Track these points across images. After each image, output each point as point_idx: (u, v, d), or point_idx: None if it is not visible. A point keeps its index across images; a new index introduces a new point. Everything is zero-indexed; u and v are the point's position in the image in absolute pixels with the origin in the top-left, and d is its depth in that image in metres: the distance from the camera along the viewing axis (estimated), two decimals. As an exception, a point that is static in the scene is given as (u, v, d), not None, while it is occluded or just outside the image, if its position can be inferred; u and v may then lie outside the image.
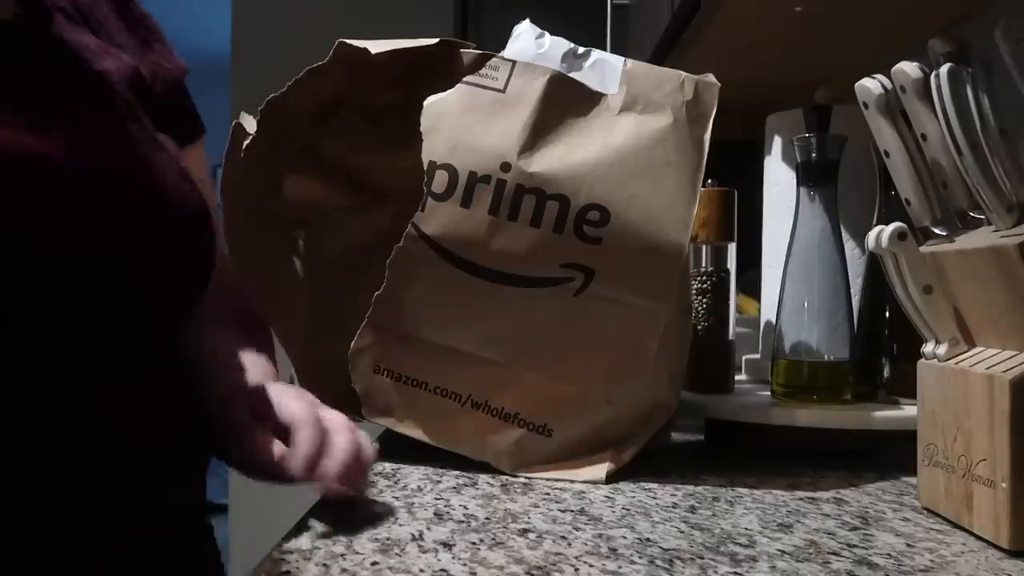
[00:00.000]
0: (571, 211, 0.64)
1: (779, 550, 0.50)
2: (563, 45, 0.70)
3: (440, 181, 0.65)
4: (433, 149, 0.66)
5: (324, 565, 0.45)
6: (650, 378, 0.67)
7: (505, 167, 0.65)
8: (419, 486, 0.62)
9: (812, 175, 0.78)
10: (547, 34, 0.71)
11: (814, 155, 0.78)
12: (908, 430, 0.63)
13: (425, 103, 0.67)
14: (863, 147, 0.79)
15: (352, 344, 0.68)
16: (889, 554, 0.50)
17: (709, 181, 0.86)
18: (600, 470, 0.66)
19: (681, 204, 0.64)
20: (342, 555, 0.47)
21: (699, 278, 0.85)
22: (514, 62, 0.68)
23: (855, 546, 0.51)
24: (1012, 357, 0.51)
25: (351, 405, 0.69)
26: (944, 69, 0.53)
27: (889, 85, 0.58)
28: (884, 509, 0.60)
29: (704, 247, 0.86)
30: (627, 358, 0.65)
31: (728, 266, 0.86)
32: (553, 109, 0.66)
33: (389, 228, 0.73)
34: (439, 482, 0.63)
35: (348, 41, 0.69)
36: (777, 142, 0.95)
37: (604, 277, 0.64)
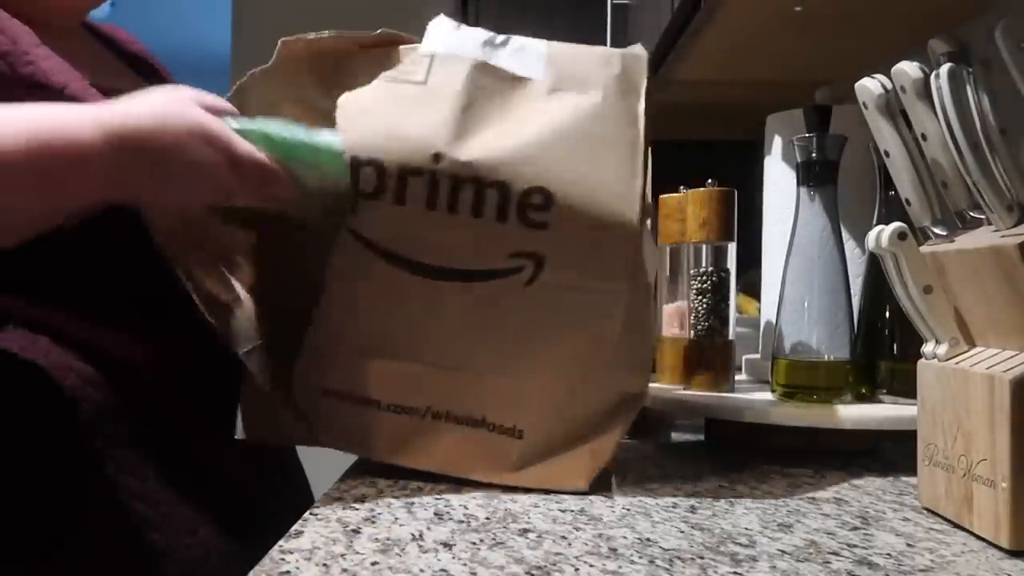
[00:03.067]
0: (512, 197, 0.61)
1: (779, 550, 0.50)
2: (481, 35, 0.68)
3: (368, 178, 0.62)
4: (354, 143, 0.62)
5: (324, 565, 0.45)
6: (614, 365, 0.63)
7: (436, 158, 0.62)
8: (419, 486, 0.62)
9: (812, 175, 0.78)
10: (464, 25, 0.69)
11: (814, 155, 0.78)
12: (908, 430, 0.63)
13: (340, 100, 0.65)
14: (863, 147, 0.79)
15: (296, 367, 0.64)
16: (889, 554, 0.50)
17: (709, 181, 0.86)
18: (579, 474, 0.62)
19: (624, 179, 0.62)
20: (342, 555, 0.47)
21: (699, 278, 0.85)
22: (432, 55, 0.66)
23: (855, 546, 0.51)
24: (1012, 357, 0.51)
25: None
26: (944, 69, 0.53)
27: (889, 85, 0.58)
28: (884, 509, 0.60)
29: (704, 247, 0.86)
30: (588, 346, 0.63)
31: (728, 266, 0.86)
32: (479, 97, 0.64)
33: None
34: (439, 482, 0.63)
35: (290, 39, 0.67)
36: (777, 142, 0.95)
37: (555, 263, 0.62)
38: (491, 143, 0.63)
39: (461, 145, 0.62)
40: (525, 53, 0.67)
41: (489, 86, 0.65)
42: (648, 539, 0.51)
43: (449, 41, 0.67)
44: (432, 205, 0.61)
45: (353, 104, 0.64)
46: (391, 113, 0.64)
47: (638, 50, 0.67)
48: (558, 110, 0.64)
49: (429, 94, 0.64)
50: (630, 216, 0.62)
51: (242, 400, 0.66)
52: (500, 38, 0.68)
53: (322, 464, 0.80)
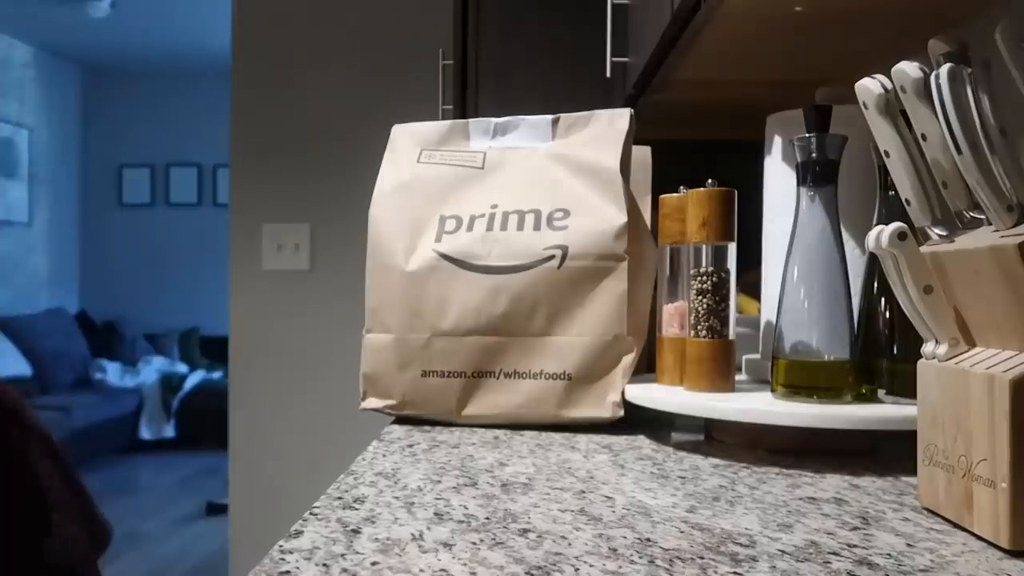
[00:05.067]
0: (543, 217, 0.93)
1: (779, 550, 0.50)
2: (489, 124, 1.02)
3: (451, 224, 0.95)
4: (442, 206, 0.96)
5: (324, 565, 0.45)
6: (627, 316, 0.89)
7: (494, 206, 0.95)
8: (419, 486, 0.62)
9: (812, 175, 0.78)
10: (493, 121, 1.01)
11: (814, 155, 0.78)
12: (908, 430, 0.63)
13: (421, 172, 0.99)
14: (863, 147, 0.79)
15: (396, 360, 0.91)
16: (889, 554, 0.50)
17: (709, 181, 0.86)
18: (611, 400, 0.87)
19: (612, 204, 0.91)
20: (342, 555, 0.47)
21: (699, 278, 0.85)
22: (484, 152, 1.00)
23: (855, 546, 0.51)
24: (1012, 357, 0.51)
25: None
26: (944, 69, 0.53)
27: (889, 85, 0.58)
28: (884, 509, 0.60)
29: (704, 247, 0.86)
30: (607, 303, 0.89)
31: (728, 266, 0.86)
32: (519, 169, 0.97)
33: None
34: (439, 482, 0.63)
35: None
36: (777, 142, 0.95)
37: (575, 250, 0.90)
38: (523, 192, 0.95)
39: (506, 198, 0.95)
40: (531, 128, 1.00)
41: (525, 160, 0.98)
42: (648, 539, 0.51)
43: (487, 141, 1.01)
44: (490, 228, 0.93)
45: (427, 177, 0.99)
46: (461, 188, 0.97)
47: (622, 111, 0.97)
48: (560, 167, 0.96)
49: (486, 173, 0.98)
50: (619, 223, 0.91)
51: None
52: (502, 121, 1.01)
53: (320, 463, 0.80)
